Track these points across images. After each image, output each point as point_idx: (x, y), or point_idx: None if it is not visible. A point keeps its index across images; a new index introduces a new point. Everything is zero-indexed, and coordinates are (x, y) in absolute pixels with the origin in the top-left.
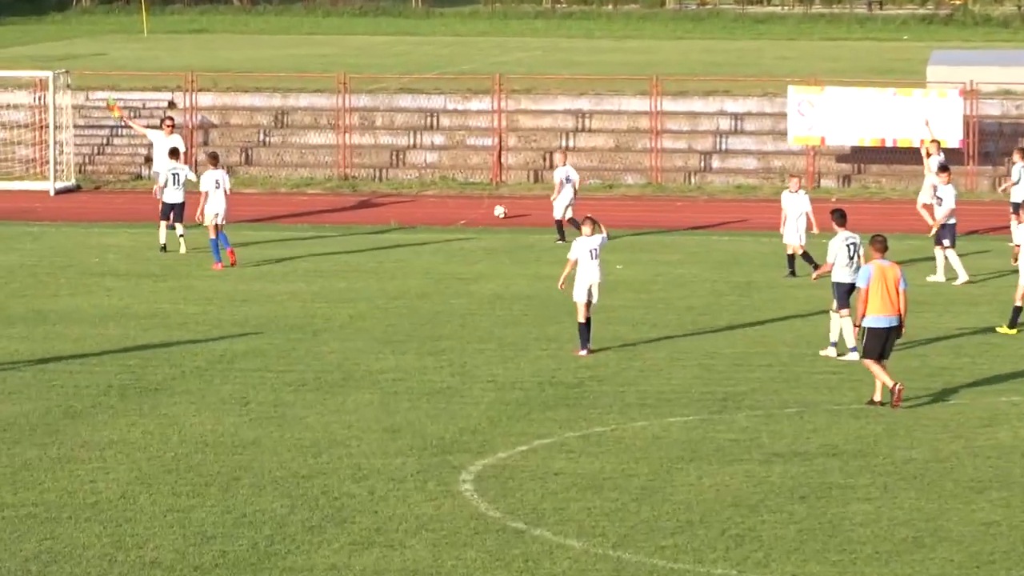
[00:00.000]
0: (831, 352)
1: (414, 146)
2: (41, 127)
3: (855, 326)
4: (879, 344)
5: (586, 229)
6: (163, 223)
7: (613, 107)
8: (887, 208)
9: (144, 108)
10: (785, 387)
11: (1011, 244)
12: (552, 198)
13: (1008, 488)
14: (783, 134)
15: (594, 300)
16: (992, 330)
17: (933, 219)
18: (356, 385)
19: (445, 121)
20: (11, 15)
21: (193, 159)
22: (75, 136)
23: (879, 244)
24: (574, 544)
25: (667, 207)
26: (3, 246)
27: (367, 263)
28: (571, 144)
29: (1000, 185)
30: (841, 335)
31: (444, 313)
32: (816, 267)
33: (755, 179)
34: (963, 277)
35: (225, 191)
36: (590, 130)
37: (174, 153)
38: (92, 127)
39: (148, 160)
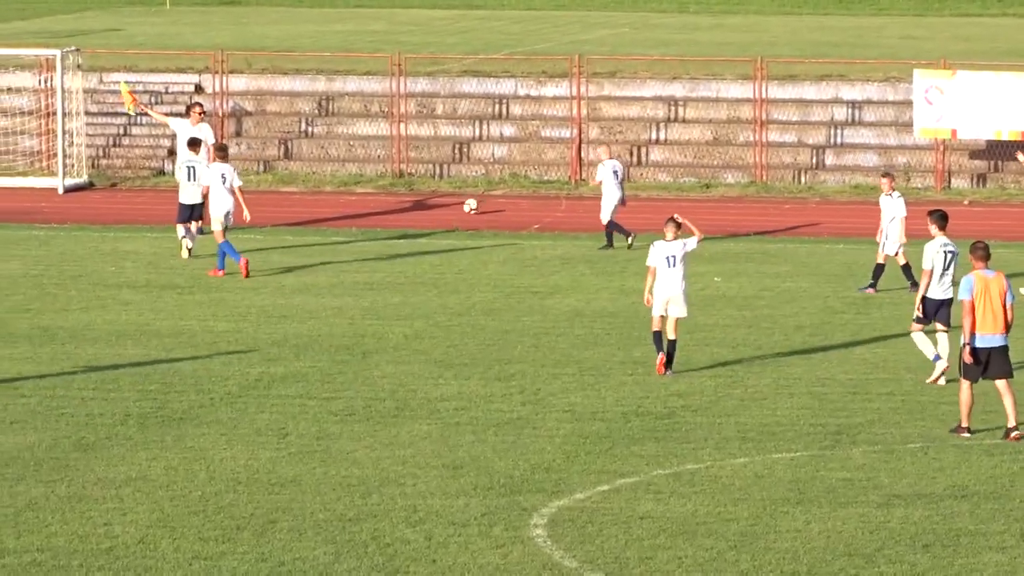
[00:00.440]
0: (940, 378)
1: (480, 138)
2: (47, 115)
3: (965, 344)
4: (980, 366)
5: (668, 232)
6: (181, 227)
7: (711, 94)
8: None
9: (167, 93)
10: (908, 419)
11: None
12: (602, 198)
13: None
14: (908, 126)
15: (671, 315)
16: None
17: None
18: (412, 415)
19: (516, 109)
20: None
21: None
22: (87, 125)
23: (980, 252)
24: None
25: (773, 210)
26: (4, 252)
27: (425, 274)
28: (662, 137)
29: None
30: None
31: (514, 332)
32: (914, 284)
33: (875, 178)
34: None
35: (232, 188)
36: (684, 120)
37: (194, 144)
38: (106, 115)
39: (172, 153)
